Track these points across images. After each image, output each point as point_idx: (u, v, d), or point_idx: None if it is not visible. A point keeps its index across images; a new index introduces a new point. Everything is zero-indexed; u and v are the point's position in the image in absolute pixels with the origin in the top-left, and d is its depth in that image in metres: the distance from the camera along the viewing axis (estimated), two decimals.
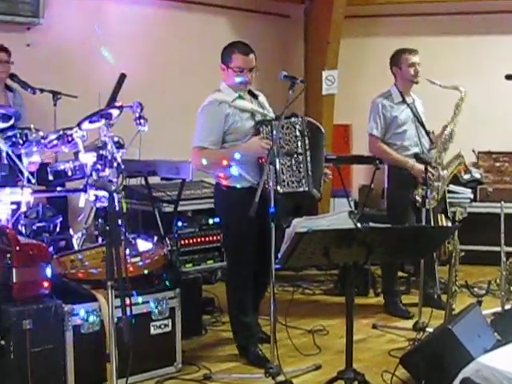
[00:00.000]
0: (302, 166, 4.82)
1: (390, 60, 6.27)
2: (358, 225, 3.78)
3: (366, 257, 3.81)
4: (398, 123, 6.15)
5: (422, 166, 5.89)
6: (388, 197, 6.59)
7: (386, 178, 6.59)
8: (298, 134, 4.83)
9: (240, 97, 4.98)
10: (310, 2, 8.86)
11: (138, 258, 4.69)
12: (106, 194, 3.97)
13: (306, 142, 4.85)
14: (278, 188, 4.76)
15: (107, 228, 3.15)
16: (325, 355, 5.15)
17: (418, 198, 5.85)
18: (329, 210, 8.25)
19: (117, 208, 4.60)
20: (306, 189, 4.82)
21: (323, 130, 5.14)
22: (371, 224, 3.93)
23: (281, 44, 9.08)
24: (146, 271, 4.70)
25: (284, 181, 4.80)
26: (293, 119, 4.86)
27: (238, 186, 4.91)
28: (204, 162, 4.88)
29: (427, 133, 6.18)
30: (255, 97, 5.16)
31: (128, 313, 3.16)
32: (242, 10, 8.63)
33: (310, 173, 4.83)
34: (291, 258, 3.67)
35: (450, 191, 7.81)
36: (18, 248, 4.14)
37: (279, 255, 3.78)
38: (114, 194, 3.33)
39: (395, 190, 6.33)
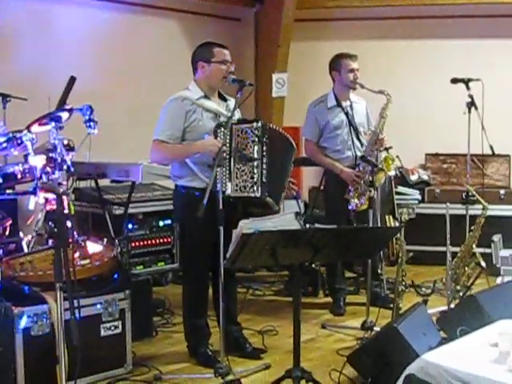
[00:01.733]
0: (255, 171, 4.78)
1: (330, 64, 6.34)
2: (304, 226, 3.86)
3: (312, 257, 3.88)
4: (330, 128, 6.25)
5: (350, 171, 6.06)
6: (324, 199, 6.68)
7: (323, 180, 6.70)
8: (255, 139, 4.81)
9: (206, 96, 5.01)
10: (261, 5, 8.92)
11: (87, 260, 4.69)
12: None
13: (264, 148, 4.82)
14: (229, 192, 4.78)
15: (55, 230, 3.17)
16: (274, 355, 5.20)
17: (355, 201, 5.93)
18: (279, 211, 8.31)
19: (65, 210, 4.65)
20: (258, 195, 4.78)
21: (294, 144, 5.15)
22: (317, 225, 4.00)
23: (231, 47, 8.89)
24: (95, 273, 4.72)
25: (237, 185, 4.80)
26: (252, 124, 4.85)
27: (193, 185, 4.94)
28: (158, 153, 4.97)
29: (357, 137, 6.24)
30: (225, 100, 5.17)
31: (76, 315, 3.17)
32: (193, 13, 8.62)
33: (264, 179, 4.79)
34: (239, 258, 3.72)
35: (398, 193, 7.96)
36: None
37: (227, 256, 3.84)
38: (63, 196, 3.35)
39: (331, 192, 6.45)
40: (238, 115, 5.12)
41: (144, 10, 8.06)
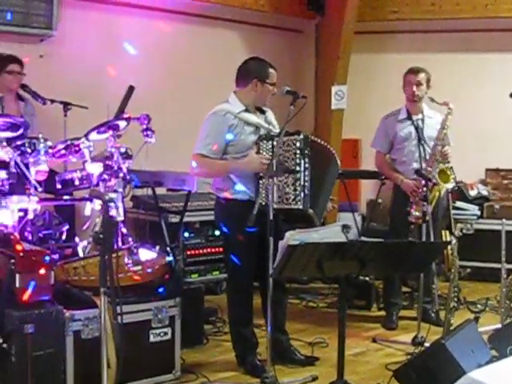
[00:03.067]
0: (298, 184, 4.79)
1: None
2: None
3: (359, 270, 3.88)
4: (398, 139, 6.32)
5: (410, 182, 6.06)
6: (390, 211, 6.67)
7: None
8: (297, 151, 4.82)
9: (247, 110, 5.02)
10: (322, 17, 8.93)
11: (139, 267, 4.76)
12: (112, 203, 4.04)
13: (306, 160, 4.82)
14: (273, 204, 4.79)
15: (100, 236, 3.24)
16: (322, 367, 5.20)
17: (415, 214, 5.89)
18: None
19: (120, 217, 4.76)
20: (301, 207, 4.79)
21: (338, 158, 5.13)
22: (363, 238, 3.99)
23: (293, 59, 9.15)
24: (147, 280, 4.79)
25: (280, 197, 4.81)
26: (294, 136, 4.84)
27: (236, 197, 4.96)
28: (200, 169, 4.98)
29: (424, 149, 6.19)
30: (263, 112, 5.18)
31: (119, 320, 3.24)
32: (255, 25, 8.69)
33: (306, 192, 4.80)
34: (285, 269, 3.75)
35: (456, 208, 7.88)
36: (21, 254, 4.21)
37: (274, 266, 3.87)
38: (110, 203, 3.42)
39: (396, 204, 6.45)
40: (276, 129, 5.11)
41: (205, 21, 8.13)
